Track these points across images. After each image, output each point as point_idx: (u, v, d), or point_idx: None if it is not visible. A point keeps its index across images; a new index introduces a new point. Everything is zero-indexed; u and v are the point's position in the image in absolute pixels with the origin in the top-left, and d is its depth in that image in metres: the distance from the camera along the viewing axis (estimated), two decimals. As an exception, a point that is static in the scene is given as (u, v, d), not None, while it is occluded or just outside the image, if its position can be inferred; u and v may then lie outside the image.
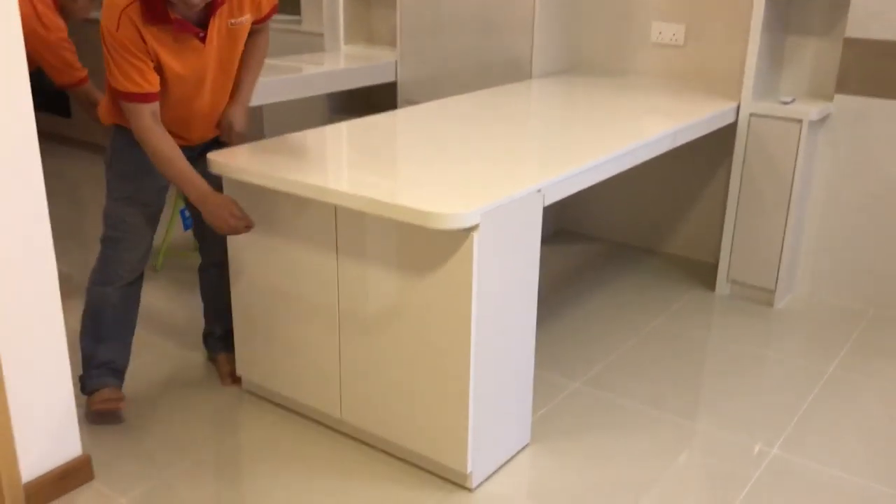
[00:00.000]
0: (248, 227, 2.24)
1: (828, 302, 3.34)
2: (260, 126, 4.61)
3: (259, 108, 4.53)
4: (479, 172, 2.22)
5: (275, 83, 3.47)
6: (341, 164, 2.34)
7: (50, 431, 2.10)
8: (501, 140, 2.58)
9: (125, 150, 2.37)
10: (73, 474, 2.16)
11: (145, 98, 2.21)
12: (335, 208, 2.15)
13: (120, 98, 2.23)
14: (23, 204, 1.93)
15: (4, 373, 1.97)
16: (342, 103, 4.40)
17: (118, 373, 2.50)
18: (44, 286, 2.01)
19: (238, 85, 2.52)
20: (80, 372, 2.47)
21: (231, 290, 2.51)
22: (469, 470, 2.16)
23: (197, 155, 2.44)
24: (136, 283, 2.48)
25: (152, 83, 2.22)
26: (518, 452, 2.34)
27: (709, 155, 3.59)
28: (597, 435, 2.44)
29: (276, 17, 4.69)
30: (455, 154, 2.40)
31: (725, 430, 2.48)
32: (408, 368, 2.14)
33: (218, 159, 2.31)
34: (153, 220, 2.47)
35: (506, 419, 2.25)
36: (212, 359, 2.78)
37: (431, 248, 2.02)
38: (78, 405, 2.23)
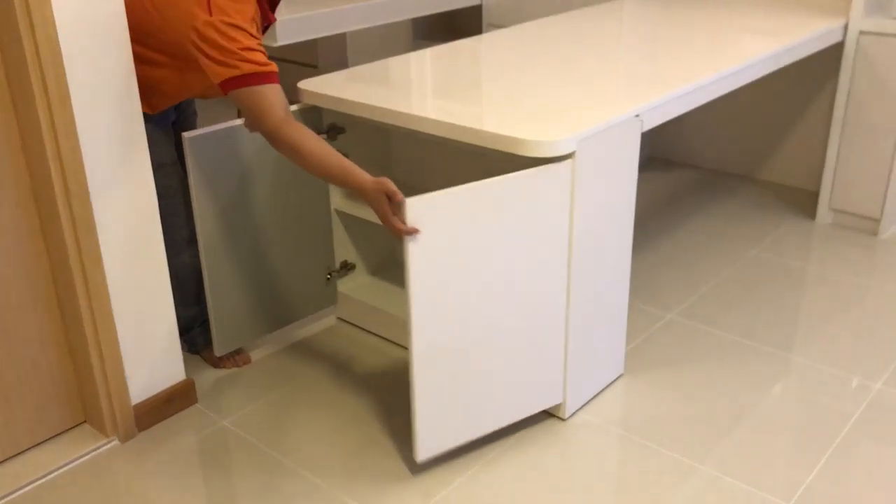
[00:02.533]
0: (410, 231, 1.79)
1: (938, 231, 3.18)
2: (343, 53, 4.58)
3: (343, 36, 4.49)
4: (573, 98, 2.15)
5: (356, 10, 3.42)
6: (428, 92, 2.30)
7: (156, 357, 2.18)
8: (595, 64, 2.50)
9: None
10: (178, 397, 2.25)
11: (278, 78, 1.94)
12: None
13: (253, 83, 1.88)
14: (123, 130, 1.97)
15: (112, 301, 2.04)
16: (426, 28, 4.34)
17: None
18: (148, 211, 2.06)
19: None
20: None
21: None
22: (562, 399, 2.15)
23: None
24: None
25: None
26: (611, 383, 2.32)
27: (810, 76, 3.41)
28: (691, 366, 2.40)
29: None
30: (546, 79, 2.33)
31: (826, 363, 2.40)
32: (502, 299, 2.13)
33: (308, 88, 2.30)
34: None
35: (600, 350, 2.23)
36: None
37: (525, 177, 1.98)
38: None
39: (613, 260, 2.17)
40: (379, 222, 1.89)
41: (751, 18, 3.08)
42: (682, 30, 2.92)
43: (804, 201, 3.47)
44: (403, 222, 1.77)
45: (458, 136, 1.96)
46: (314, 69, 4.48)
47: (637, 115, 2.06)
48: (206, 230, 2.22)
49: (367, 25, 3.55)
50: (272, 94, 1.91)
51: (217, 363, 2.46)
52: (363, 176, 1.87)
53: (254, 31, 1.95)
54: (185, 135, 2.13)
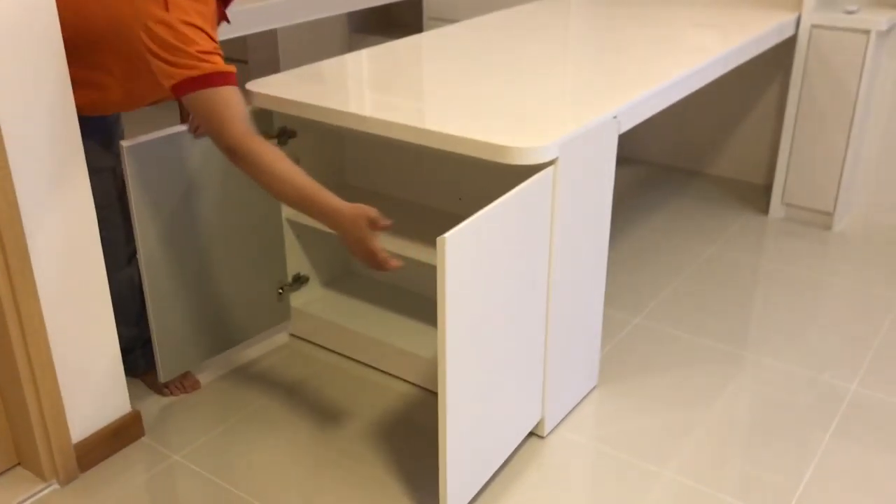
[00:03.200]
0: (393, 265, 1.68)
1: (886, 223, 3.20)
2: (274, 49, 4.37)
3: (273, 32, 4.28)
4: (543, 101, 2.04)
5: (287, 4, 3.21)
6: (392, 93, 2.15)
7: (98, 387, 1.98)
8: (560, 62, 2.39)
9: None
10: (124, 432, 2.05)
11: (237, 81, 1.74)
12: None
13: (213, 84, 1.69)
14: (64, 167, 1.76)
15: (48, 327, 1.83)
16: (361, 21, 4.17)
17: None
18: (85, 227, 1.86)
19: None
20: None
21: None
22: (542, 416, 2.04)
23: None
24: None
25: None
26: (587, 395, 2.23)
27: (757, 69, 3.39)
28: (664, 373, 2.33)
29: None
30: (514, 79, 2.21)
31: (800, 365, 2.36)
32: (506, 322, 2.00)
33: (259, 90, 2.12)
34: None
35: (577, 362, 2.13)
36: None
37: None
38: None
39: (591, 268, 2.06)
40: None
41: (703, 12, 3.03)
42: (637, 24, 2.84)
43: (755, 196, 3.45)
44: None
45: (433, 142, 1.82)
46: (244, 64, 4.26)
47: (615, 117, 1.96)
48: (148, 245, 2.02)
49: (301, 21, 3.35)
50: (234, 99, 1.72)
51: (162, 389, 2.26)
52: (338, 201, 1.68)
53: (213, 32, 1.76)
54: (124, 143, 1.92)
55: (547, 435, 2.08)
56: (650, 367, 2.36)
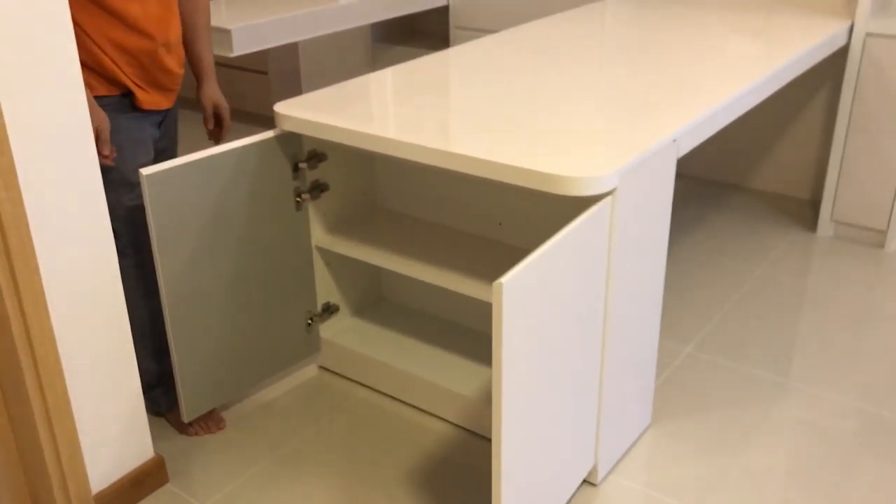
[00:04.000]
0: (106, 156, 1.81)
1: (943, 241, 3.03)
2: (296, 59, 4.24)
3: (294, 44, 4.14)
4: (594, 123, 1.89)
5: (309, 16, 3.08)
6: (431, 116, 2.00)
7: (119, 433, 1.84)
8: (597, 80, 2.24)
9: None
10: (147, 479, 1.91)
11: None
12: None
13: None
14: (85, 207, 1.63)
15: (66, 373, 1.70)
16: (386, 31, 4.03)
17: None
18: (105, 260, 1.72)
19: (194, 50, 2.09)
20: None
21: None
22: (594, 462, 1.90)
23: (163, 121, 2.04)
24: None
25: None
26: (640, 436, 2.08)
27: (802, 79, 3.22)
28: (720, 410, 2.17)
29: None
30: (551, 100, 2.07)
31: (858, 399, 2.20)
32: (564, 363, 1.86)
33: (287, 113, 1.98)
34: None
35: (630, 403, 1.98)
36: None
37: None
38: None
39: (648, 301, 1.92)
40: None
41: (752, 20, 2.87)
42: (680, 34, 2.69)
43: (800, 211, 3.28)
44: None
45: (480, 171, 1.68)
46: (264, 76, 4.13)
47: (674, 140, 1.81)
48: (171, 279, 1.89)
49: (323, 33, 3.22)
50: None
51: (186, 429, 2.12)
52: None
53: None
54: (143, 172, 1.79)
55: (600, 483, 1.93)
56: (704, 403, 2.20)
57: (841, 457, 2.00)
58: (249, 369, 2.15)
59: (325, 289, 2.30)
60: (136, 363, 1.85)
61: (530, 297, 1.44)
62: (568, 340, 1.62)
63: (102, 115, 1.82)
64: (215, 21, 2.78)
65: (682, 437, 2.07)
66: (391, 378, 2.22)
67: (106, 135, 1.82)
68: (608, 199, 1.62)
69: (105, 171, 1.80)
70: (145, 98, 1.94)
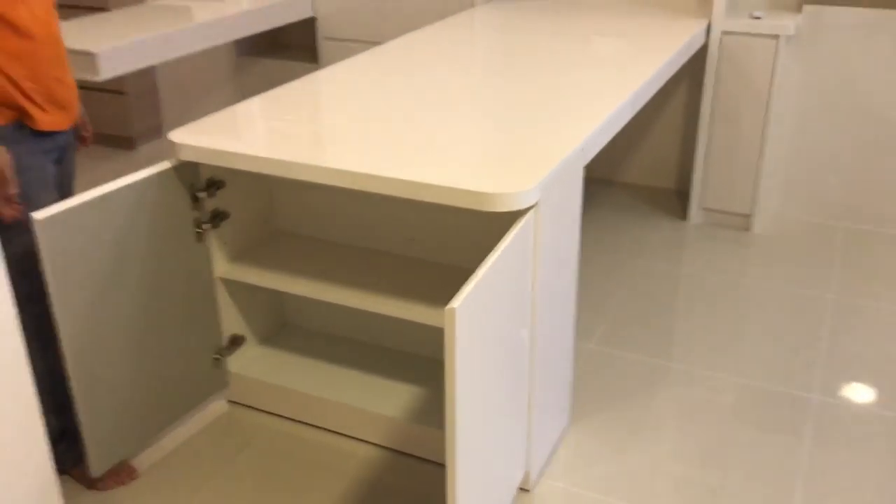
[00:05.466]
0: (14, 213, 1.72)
1: (801, 220, 3.27)
2: (153, 82, 4.04)
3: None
4: (505, 136, 1.91)
5: (170, 37, 2.92)
6: (332, 137, 1.97)
7: (26, 497, 1.70)
8: (495, 92, 2.27)
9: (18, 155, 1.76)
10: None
11: None
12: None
13: None
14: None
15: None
16: (249, 45, 3.91)
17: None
18: (4, 327, 1.58)
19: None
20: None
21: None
22: (527, 469, 1.92)
23: (65, 145, 1.91)
24: None
25: None
26: (563, 436, 2.13)
27: (664, 76, 3.39)
28: (633, 402, 2.26)
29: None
30: (450, 116, 2.08)
31: (761, 378, 2.35)
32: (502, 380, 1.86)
33: (186, 142, 1.88)
34: None
35: (554, 405, 2.02)
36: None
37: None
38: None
39: (563, 306, 1.96)
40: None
41: (615, 22, 2.99)
42: (555, 39, 2.76)
43: (670, 201, 3.46)
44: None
45: (400, 191, 1.66)
46: (121, 96, 3.91)
47: (582, 149, 1.86)
48: (70, 328, 1.76)
49: (180, 55, 3.06)
50: None
51: (95, 484, 1.99)
52: None
53: None
54: (36, 216, 1.66)
55: (533, 488, 1.96)
56: (615, 397, 2.28)
57: (750, 435, 2.13)
58: (158, 414, 2.04)
59: (230, 320, 2.21)
60: (39, 418, 1.71)
61: (477, 318, 1.44)
62: (505, 355, 1.64)
63: (1, 148, 1.67)
64: (77, 43, 2.61)
65: (600, 433, 2.14)
66: (307, 405, 2.16)
67: (10, 172, 1.67)
68: (531, 212, 1.65)
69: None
70: (44, 119, 1.79)
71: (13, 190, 1.69)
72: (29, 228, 1.76)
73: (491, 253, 1.50)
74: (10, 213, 1.72)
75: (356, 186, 1.71)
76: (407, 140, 1.88)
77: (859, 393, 2.29)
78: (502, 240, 1.55)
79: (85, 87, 3.89)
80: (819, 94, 3.11)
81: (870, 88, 3.03)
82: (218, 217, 2.07)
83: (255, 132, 1.96)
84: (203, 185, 2.01)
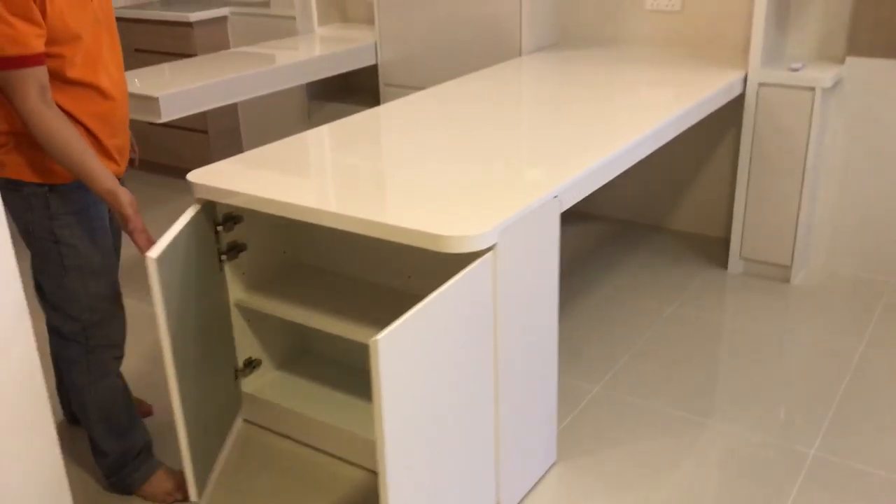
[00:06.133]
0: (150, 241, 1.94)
1: (846, 274, 3.20)
2: (235, 118, 4.38)
3: (234, 104, 4.29)
4: (486, 181, 2.03)
5: (247, 78, 3.21)
6: (330, 181, 2.13)
7: None
8: (501, 137, 2.39)
9: (63, 208, 1.96)
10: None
11: (35, 60, 1.78)
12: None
13: (12, 66, 1.75)
14: None
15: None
16: (320, 89, 4.18)
17: (151, 452, 2.22)
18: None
19: None
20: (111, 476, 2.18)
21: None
22: (497, 501, 2.00)
23: None
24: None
25: (39, 40, 1.79)
26: (545, 474, 2.19)
27: (711, 125, 3.41)
28: (626, 446, 2.30)
29: (242, 1, 4.45)
30: (453, 160, 2.21)
31: (759, 430, 2.34)
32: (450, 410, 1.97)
33: (199, 181, 2.09)
34: (117, 260, 2.19)
35: (532, 440, 2.10)
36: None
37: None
38: None
39: (541, 345, 2.04)
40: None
41: (651, 75, 3.05)
42: (584, 93, 2.85)
43: (715, 250, 3.45)
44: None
45: (372, 231, 1.80)
46: (204, 135, 4.25)
47: (556, 196, 1.95)
48: (174, 354, 1.94)
49: (256, 95, 3.33)
50: (31, 77, 1.78)
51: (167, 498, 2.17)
52: (113, 181, 1.90)
53: (17, 14, 1.74)
54: (150, 255, 1.84)
55: (504, 519, 2.04)
56: (610, 439, 2.33)
57: (741, 487, 2.13)
58: (219, 429, 2.26)
59: (246, 345, 2.40)
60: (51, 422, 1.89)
61: (410, 352, 1.56)
62: (455, 387, 1.74)
63: (123, 189, 1.91)
64: (145, 89, 2.91)
65: (587, 473, 2.19)
66: (312, 429, 2.31)
67: (134, 208, 1.92)
68: (489, 255, 1.75)
69: (72, 256, 1.95)
70: (117, 170, 2.03)
71: (140, 224, 1.94)
72: (100, 271, 2.00)
73: (434, 291, 1.62)
74: (145, 242, 1.94)
75: (326, 223, 1.87)
76: (396, 183, 2.03)
77: (859, 451, 2.24)
78: (451, 279, 1.66)
79: (170, 126, 4.26)
80: (864, 146, 3.06)
81: (916, 142, 2.97)
82: (235, 249, 2.27)
83: (253, 174, 2.13)
84: (220, 219, 2.21)
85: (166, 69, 3.35)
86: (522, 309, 1.92)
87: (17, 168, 1.92)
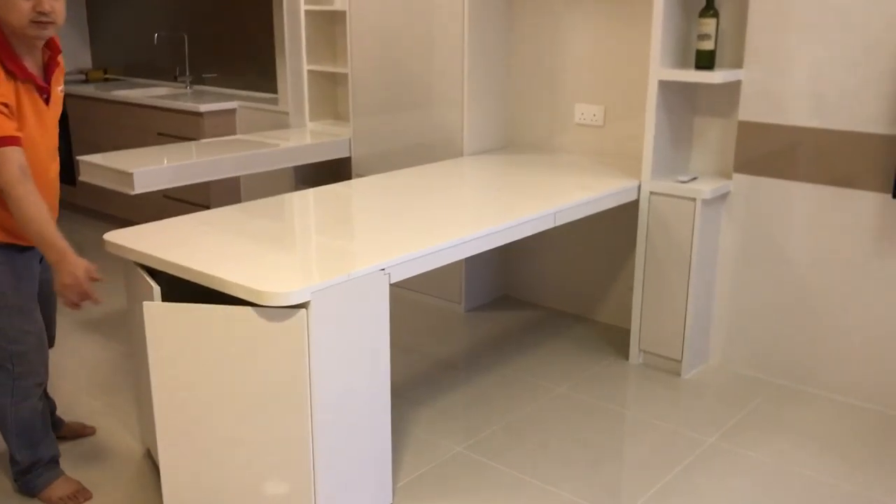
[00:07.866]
0: (95, 300, 2.30)
1: (738, 373, 3.44)
2: (237, 194, 4.93)
3: (236, 178, 4.86)
4: (334, 249, 2.44)
5: (246, 157, 3.85)
6: (200, 243, 2.56)
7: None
8: (377, 218, 2.79)
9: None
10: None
11: (14, 141, 2.19)
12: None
13: None
14: None
15: None
16: (308, 174, 4.70)
17: (57, 463, 2.61)
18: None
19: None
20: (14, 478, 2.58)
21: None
22: (317, 529, 2.34)
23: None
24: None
25: (16, 127, 2.22)
26: (378, 512, 2.51)
27: (625, 226, 3.74)
28: (465, 501, 2.59)
29: (256, 95, 5.07)
30: (329, 232, 2.63)
31: (587, 498, 2.60)
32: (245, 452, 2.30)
33: (114, 240, 2.56)
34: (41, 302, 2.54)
35: (362, 485, 2.42)
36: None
37: (267, 330, 2.23)
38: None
39: (369, 407, 2.38)
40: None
41: (557, 177, 3.43)
42: (482, 186, 3.25)
43: (625, 342, 3.73)
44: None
45: (210, 283, 2.22)
46: (205, 209, 4.81)
47: (383, 269, 2.34)
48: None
49: (249, 172, 3.89)
50: (10, 154, 2.18)
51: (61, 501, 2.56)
52: (69, 249, 2.24)
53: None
54: (147, 305, 2.28)
55: (323, 544, 2.36)
56: (449, 496, 2.62)
57: (534, 537, 2.40)
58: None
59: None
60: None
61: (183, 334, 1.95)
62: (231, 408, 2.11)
63: (81, 261, 2.27)
64: (120, 165, 3.46)
65: (415, 516, 2.50)
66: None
67: (87, 283, 2.28)
68: (302, 311, 2.15)
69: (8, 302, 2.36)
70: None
71: (81, 288, 2.28)
72: (26, 311, 2.43)
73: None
74: (73, 300, 2.29)
75: (184, 276, 2.30)
76: (257, 249, 2.44)
77: (665, 522, 2.48)
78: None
79: (171, 196, 4.84)
80: (751, 252, 3.34)
81: (790, 252, 3.24)
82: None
83: (156, 237, 2.57)
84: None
85: (159, 150, 3.92)
86: (346, 368, 2.28)
87: None
